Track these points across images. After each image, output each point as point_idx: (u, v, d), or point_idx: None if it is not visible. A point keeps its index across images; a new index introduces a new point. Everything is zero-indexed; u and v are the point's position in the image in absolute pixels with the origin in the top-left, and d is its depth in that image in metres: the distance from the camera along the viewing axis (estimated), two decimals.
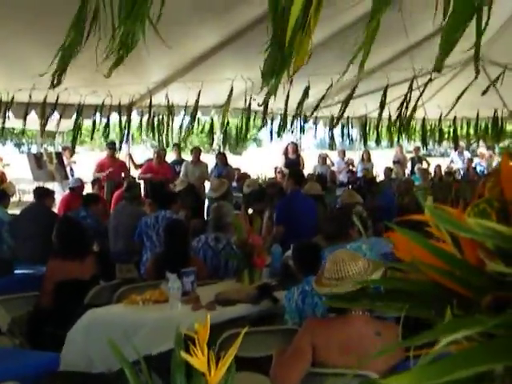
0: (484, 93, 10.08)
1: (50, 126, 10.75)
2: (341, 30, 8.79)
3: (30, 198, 12.25)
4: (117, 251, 8.31)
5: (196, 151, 13.51)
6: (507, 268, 0.93)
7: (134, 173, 12.99)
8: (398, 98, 12.02)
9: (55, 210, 9.94)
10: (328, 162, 16.77)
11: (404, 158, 18.35)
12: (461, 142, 17.88)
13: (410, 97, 11.26)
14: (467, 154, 19.97)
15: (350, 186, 13.58)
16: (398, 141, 15.36)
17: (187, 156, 14.45)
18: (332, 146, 15.86)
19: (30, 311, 5.95)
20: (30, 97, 9.71)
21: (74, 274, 6.06)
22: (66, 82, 4.31)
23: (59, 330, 5.21)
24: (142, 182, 12.11)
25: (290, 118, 12.91)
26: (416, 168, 17.12)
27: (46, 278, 6.11)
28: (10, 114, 9.98)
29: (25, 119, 10.13)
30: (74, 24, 3.15)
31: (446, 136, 16.25)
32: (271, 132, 13.18)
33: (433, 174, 16.52)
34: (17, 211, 9.70)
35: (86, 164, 15.85)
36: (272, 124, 13.12)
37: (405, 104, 11.28)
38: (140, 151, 20.56)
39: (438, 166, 17.37)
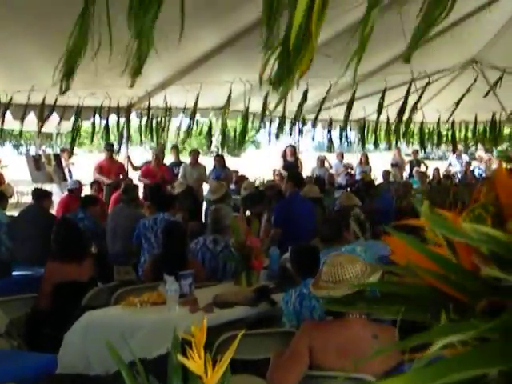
0: (485, 96, 10.09)
1: (49, 127, 10.75)
2: (340, 32, 8.80)
3: (28, 199, 12.26)
4: (115, 253, 8.32)
5: (194, 153, 13.52)
6: (502, 273, 0.94)
7: (133, 175, 13.00)
8: (396, 101, 12.05)
9: (53, 211, 9.94)
10: (326, 164, 16.79)
11: (402, 160, 18.36)
12: (459, 145, 17.89)
13: (407, 101, 11.30)
14: (465, 158, 19.98)
15: (349, 189, 13.59)
16: (397, 144, 15.38)
17: (186, 158, 14.45)
18: (330, 149, 15.86)
19: (27, 313, 5.95)
20: (29, 98, 9.72)
21: (71, 276, 6.06)
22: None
23: (57, 332, 5.21)
24: (140, 184, 12.10)
25: (288, 121, 12.94)
26: (414, 171, 17.14)
27: (44, 279, 6.12)
28: (8, 115, 9.98)
29: (22, 121, 10.13)
30: (77, 28, 3.16)
31: (445, 139, 16.26)
32: (270, 134, 13.20)
33: (431, 177, 16.53)
34: (15, 213, 9.70)
35: (84, 166, 15.85)
36: (270, 126, 13.14)
37: (403, 107, 11.31)
38: (139, 153, 20.54)
39: (437, 170, 17.38)
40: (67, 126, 11.23)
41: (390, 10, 4.95)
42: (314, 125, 13.98)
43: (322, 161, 16.60)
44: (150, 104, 11.36)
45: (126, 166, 12.85)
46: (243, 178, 13.00)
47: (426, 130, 15.76)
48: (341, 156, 17.73)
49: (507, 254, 0.94)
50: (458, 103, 11.71)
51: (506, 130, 16.97)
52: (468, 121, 16.05)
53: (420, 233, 1.10)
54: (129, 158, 13.01)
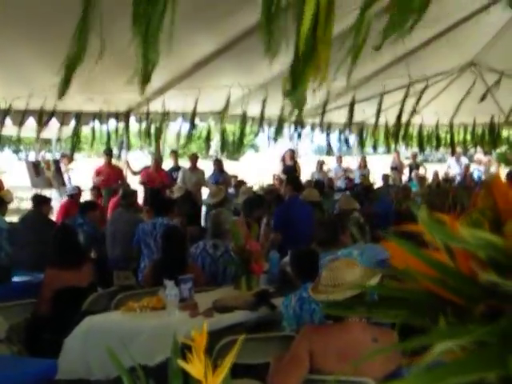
0: (482, 99, 10.10)
1: (48, 133, 10.74)
2: (338, 35, 8.82)
3: (27, 205, 12.25)
4: (114, 258, 8.32)
5: (193, 158, 13.52)
6: (499, 278, 0.94)
7: (132, 179, 13.00)
8: (395, 105, 12.07)
9: (53, 216, 9.94)
10: (325, 168, 16.80)
11: (401, 164, 18.36)
12: (458, 148, 17.90)
13: (404, 105, 11.33)
14: (464, 160, 19.97)
15: (348, 192, 13.59)
16: (396, 147, 15.39)
17: (185, 163, 14.45)
18: (329, 152, 15.87)
19: (27, 318, 5.95)
20: (28, 104, 9.71)
21: (71, 281, 6.06)
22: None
23: (57, 337, 5.20)
24: (140, 189, 12.10)
25: (287, 124, 12.98)
26: (413, 174, 17.13)
27: (44, 285, 6.12)
28: (8, 120, 9.98)
29: (20, 126, 10.12)
30: (76, 34, 3.17)
31: (443, 142, 16.27)
32: (268, 138, 13.22)
33: (430, 181, 16.53)
34: (15, 218, 9.70)
35: (83, 171, 15.85)
36: (269, 130, 13.16)
37: (401, 111, 11.35)
38: (138, 158, 20.55)
39: (436, 173, 17.38)
40: (66, 131, 11.23)
41: (387, 14, 4.96)
42: (312, 128, 14.02)
43: (321, 164, 16.61)
44: (148, 109, 11.37)
45: (124, 171, 12.85)
46: (242, 183, 13.01)
47: (425, 133, 15.78)
48: (340, 159, 17.74)
49: (505, 260, 0.95)
50: (457, 108, 11.75)
51: (505, 133, 16.98)
52: (467, 123, 16.07)
53: (419, 235, 1.10)
54: (127, 162, 13.02)
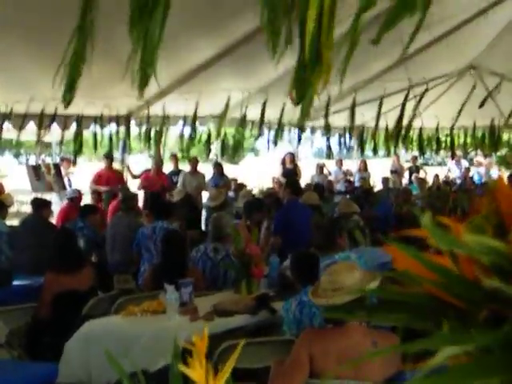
0: (481, 105, 10.10)
1: (48, 137, 10.74)
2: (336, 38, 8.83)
3: (28, 208, 12.25)
4: (114, 262, 8.30)
5: (193, 161, 13.51)
6: (503, 284, 0.94)
7: (132, 183, 13.00)
8: (395, 108, 12.07)
9: (53, 220, 9.94)
10: (325, 171, 16.80)
11: (401, 167, 18.36)
12: (458, 151, 17.90)
13: (404, 108, 11.34)
14: (464, 163, 19.98)
15: (348, 196, 13.59)
16: (395, 150, 15.39)
17: (185, 166, 14.45)
18: (329, 156, 15.87)
19: (28, 322, 5.95)
20: (28, 108, 9.72)
21: (71, 285, 6.06)
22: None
23: (57, 341, 5.20)
24: (140, 193, 12.09)
25: (287, 128, 13.00)
26: (413, 177, 17.13)
27: (44, 289, 6.12)
28: (8, 125, 9.98)
29: (20, 130, 10.13)
30: (75, 39, 3.17)
31: (443, 145, 16.27)
32: (268, 141, 13.23)
33: (430, 184, 16.52)
34: (15, 222, 9.70)
35: (83, 174, 15.85)
36: (269, 133, 13.18)
37: (401, 114, 11.35)
38: (138, 161, 20.56)
39: (436, 176, 17.38)
40: (66, 135, 11.23)
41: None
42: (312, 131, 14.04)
43: (321, 168, 16.61)
44: (149, 112, 11.38)
45: (125, 175, 12.85)
46: (242, 186, 13.01)
47: (425, 136, 15.78)
48: (340, 163, 17.74)
49: (508, 265, 0.94)
50: (459, 113, 11.76)
51: (505, 136, 16.98)
52: (467, 126, 16.07)
53: (421, 240, 1.10)
54: (128, 166, 13.02)
